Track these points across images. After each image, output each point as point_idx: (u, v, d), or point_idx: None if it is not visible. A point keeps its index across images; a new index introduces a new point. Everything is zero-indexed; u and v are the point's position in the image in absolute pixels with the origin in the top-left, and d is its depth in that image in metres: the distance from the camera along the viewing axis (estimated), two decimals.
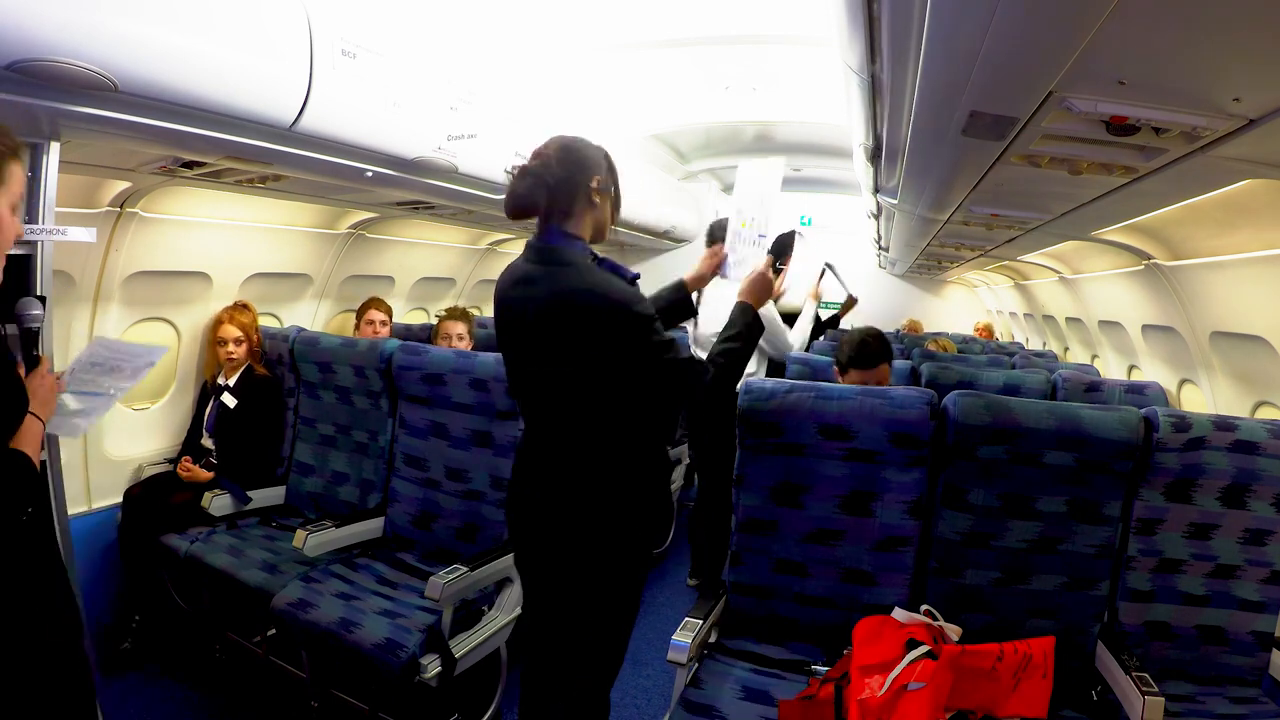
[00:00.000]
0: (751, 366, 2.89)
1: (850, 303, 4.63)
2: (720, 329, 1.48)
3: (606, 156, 1.43)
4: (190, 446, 2.62)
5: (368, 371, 2.39)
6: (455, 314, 3.00)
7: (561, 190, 1.34)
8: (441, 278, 4.29)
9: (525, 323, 1.36)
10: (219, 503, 2.34)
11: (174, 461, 2.57)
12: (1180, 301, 2.47)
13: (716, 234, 2.94)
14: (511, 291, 1.40)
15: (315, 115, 1.63)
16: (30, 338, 1.39)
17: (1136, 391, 2.90)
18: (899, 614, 1.66)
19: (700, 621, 1.64)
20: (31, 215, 1.52)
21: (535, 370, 1.40)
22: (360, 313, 3.18)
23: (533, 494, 1.45)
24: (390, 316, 3.23)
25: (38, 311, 1.42)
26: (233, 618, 2.19)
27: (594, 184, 1.37)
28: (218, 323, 2.63)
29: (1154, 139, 1.24)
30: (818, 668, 1.68)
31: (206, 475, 2.48)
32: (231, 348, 2.59)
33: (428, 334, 3.32)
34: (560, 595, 1.45)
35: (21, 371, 1.16)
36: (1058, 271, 3.76)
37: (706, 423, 2.94)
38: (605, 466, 1.40)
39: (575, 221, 1.38)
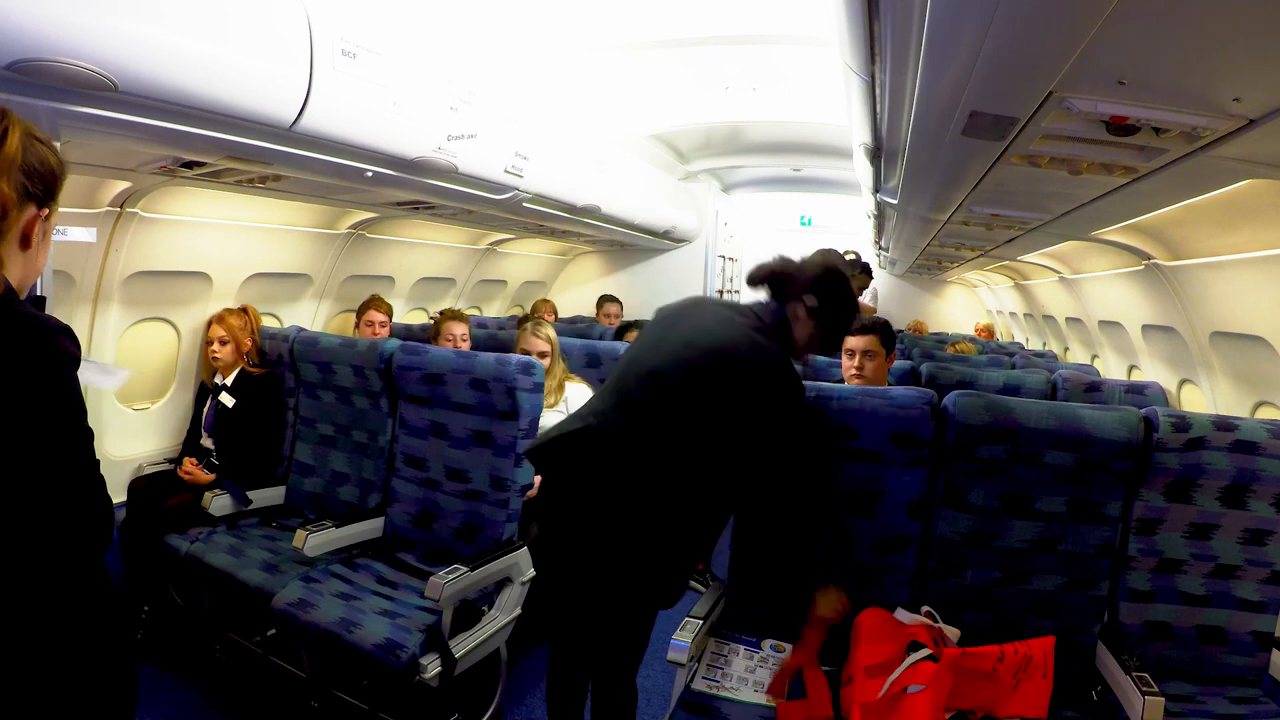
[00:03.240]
0: None
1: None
2: None
3: (829, 288, 1.49)
4: (190, 446, 2.63)
5: (368, 371, 2.39)
6: (456, 314, 3.01)
7: (785, 283, 1.49)
8: (441, 278, 4.29)
9: (706, 350, 1.39)
10: (219, 503, 2.34)
11: (174, 462, 2.57)
12: (1180, 301, 2.47)
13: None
14: (701, 317, 1.47)
15: (315, 115, 1.63)
16: None
17: (1136, 391, 2.90)
18: (901, 615, 1.66)
19: (700, 621, 1.64)
20: None
21: (685, 396, 1.37)
22: (360, 312, 3.18)
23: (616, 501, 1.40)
24: (390, 316, 3.23)
25: None
26: (233, 618, 2.19)
27: (807, 300, 1.47)
28: (209, 324, 2.65)
29: (1154, 139, 1.24)
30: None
31: (209, 477, 2.48)
32: (216, 348, 2.60)
33: (429, 334, 3.33)
34: (616, 595, 1.47)
35: None
36: (1058, 271, 3.76)
37: None
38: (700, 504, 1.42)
39: (788, 310, 1.49)
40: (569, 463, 1.45)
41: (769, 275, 1.50)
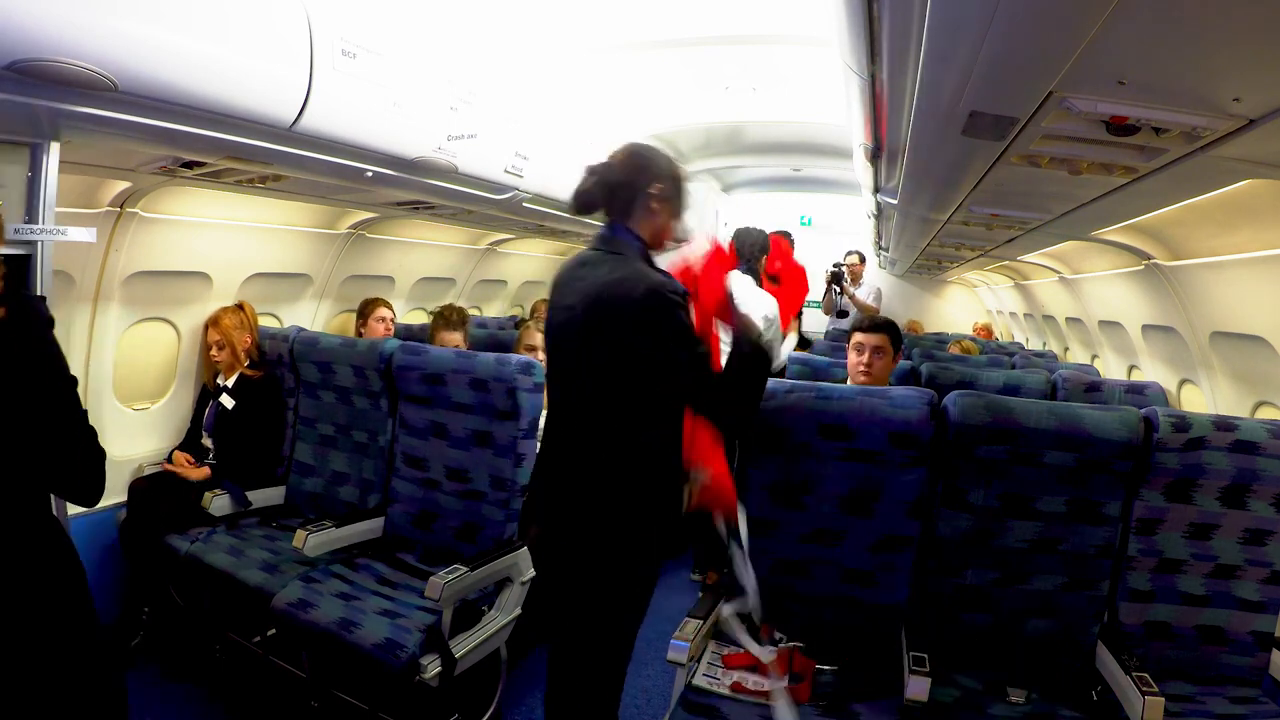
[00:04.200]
0: None
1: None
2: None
3: (673, 168, 1.48)
4: (189, 447, 2.63)
5: (368, 371, 2.39)
6: (450, 321, 2.96)
7: (621, 192, 1.42)
8: (441, 278, 4.29)
9: (573, 310, 1.41)
10: (219, 503, 2.34)
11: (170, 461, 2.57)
12: (1180, 301, 2.47)
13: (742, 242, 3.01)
14: (568, 275, 1.47)
15: (315, 115, 1.63)
16: None
17: (1136, 391, 2.90)
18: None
19: (700, 621, 1.64)
20: (31, 215, 1.52)
21: (576, 355, 1.42)
22: (366, 310, 3.18)
23: (565, 480, 1.47)
24: (394, 316, 3.25)
25: None
26: (233, 618, 2.19)
27: (653, 190, 1.42)
28: (206, 327, 2.65)
29: (1154, 139, 1.24)
30: (819, 667, 1.68)
31: (200, 472, 2.48)
32: (214, 351, 2.61)
33: (428, 335, 3.33)
34: (590, 580, 1.45)
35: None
36: (1058, 271, 3.76)
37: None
38: (636, 451, 1.41)
39: (634, 222, 1.44)
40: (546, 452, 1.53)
41: (588, 200, 1.44)
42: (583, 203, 1.44)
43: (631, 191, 1.42)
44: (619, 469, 1.41)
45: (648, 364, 1.34)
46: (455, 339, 2.90)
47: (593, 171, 1.45)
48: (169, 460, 2.54)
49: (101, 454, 1.11)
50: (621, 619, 1.47)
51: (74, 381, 1.08)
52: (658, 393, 1.37)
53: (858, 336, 2.27)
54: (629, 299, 1.32)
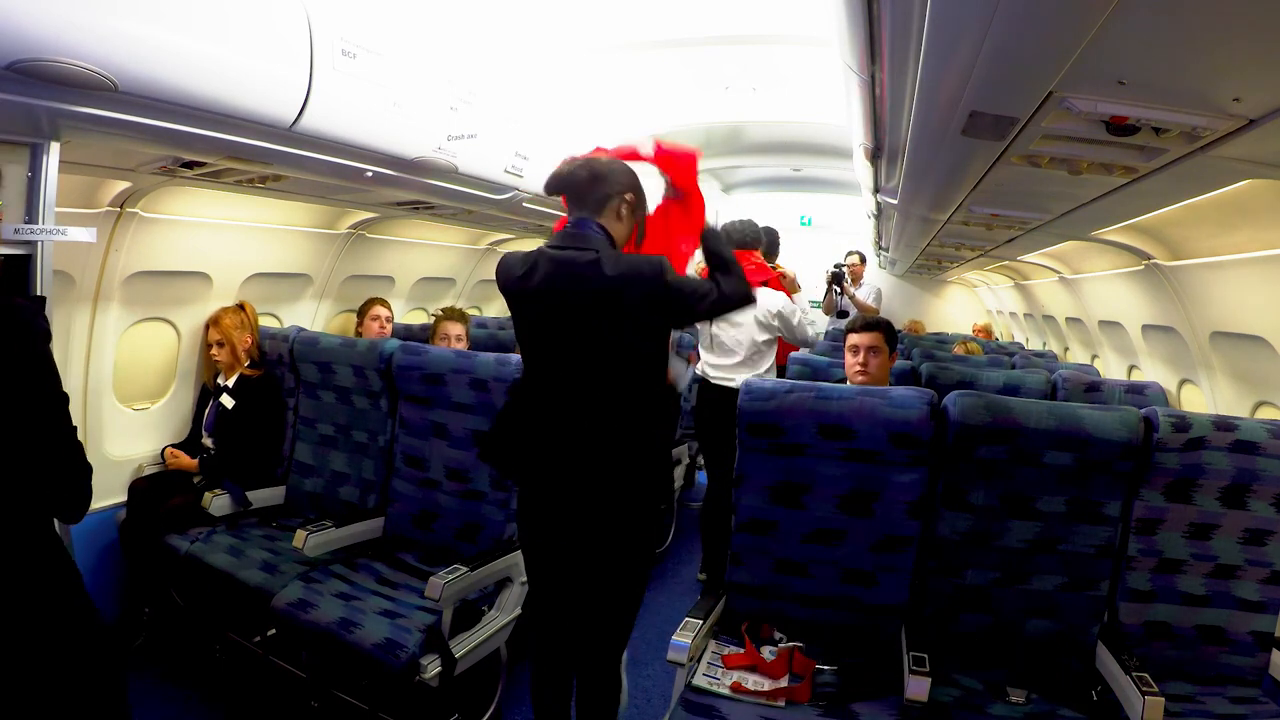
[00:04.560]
0: (763, 366, 2.91)
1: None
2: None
3: (641, 187, 1.55)
4: (189, 446, 2.63)
5: (368, 371, 2.39)
6: (453, 314, 3.00)
7: (600, 184, 1.47)
8: (441, 278, 4.29)
9: (566, 305, 1.43)
10: (219, 503, 2.34)
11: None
12: (1180, 301, 2.47)
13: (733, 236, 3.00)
14: (542, 272, 1.46)
15: (315, 115, 1.62)
16: None
17: (1136, 391, 2.90)
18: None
19: (700, 621, 1.65)
20: (31, 215, 1.52)
21: (575, 345, 1.46)
22: (363, 310, 3.19)
23: (575, 463, 1.49)
24: (391, 315, 3.26)
25: None
26: (233, 618, 2.19)
27: (628, 197, 1.50)
28: (207, 326, 2.66)
29: (1154, 139, 1.24)
30: (819, 667, 1.68)
31: (192, 462, 2.50)
32: (214, 350, 2.61)
33: (428, 334, 3.33)
34: (593, 562, 1.51)
35: None
36: (1058, 271, 3.76)
37: (712, 421, 2.95)
38: (636, 432, 1.48)
39: (604, 219, 1.48)
40: (527, 436, 1.54)
41: (571, 181, 1.48)
42: (564, 183, 1.48)
43: (609, 188, 1.47)
44: (637, 411, 1.47)
45: (657, 329, 1.45)
46: (457, 330, 2.95)
47: (576, 160, 1.50)
48: (163, 459, 2.54)
49: (88, 470, 1.10)
50: (639, 582, 1.55)
51: (65, 399, 1.07)
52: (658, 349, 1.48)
53: (852, 338, 2.28)
54: (646, 275, 1.39)
